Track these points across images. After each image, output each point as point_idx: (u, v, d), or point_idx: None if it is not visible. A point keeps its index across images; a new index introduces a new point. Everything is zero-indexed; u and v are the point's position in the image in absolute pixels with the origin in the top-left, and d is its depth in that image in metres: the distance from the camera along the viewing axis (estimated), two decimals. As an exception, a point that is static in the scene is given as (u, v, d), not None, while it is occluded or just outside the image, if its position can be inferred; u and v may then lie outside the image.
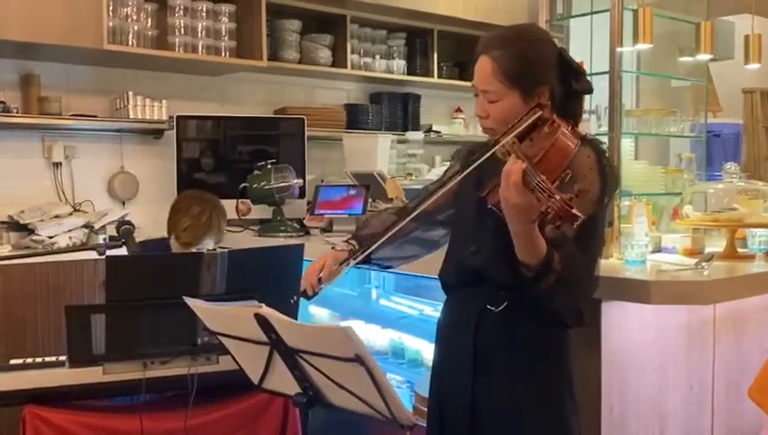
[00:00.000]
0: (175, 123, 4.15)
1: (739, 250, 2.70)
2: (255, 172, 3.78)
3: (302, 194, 4.05)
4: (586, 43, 2.99)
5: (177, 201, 3.14)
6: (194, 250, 2.95)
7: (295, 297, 2.02)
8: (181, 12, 4.12)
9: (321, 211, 3.73)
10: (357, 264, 1.93)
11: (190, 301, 1.87)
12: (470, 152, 1.91)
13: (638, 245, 2.48)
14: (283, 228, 3.74)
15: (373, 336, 3.32)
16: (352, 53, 4.79)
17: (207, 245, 2.99)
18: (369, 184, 3.75)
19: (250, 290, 2.18)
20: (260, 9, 4.25)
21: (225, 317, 1.87)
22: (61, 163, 4.04)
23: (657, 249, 2.75)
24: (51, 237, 3.64)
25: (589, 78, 1.89)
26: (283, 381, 1.84)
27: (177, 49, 4.09)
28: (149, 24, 4.04)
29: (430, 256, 2.12)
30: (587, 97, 1.90)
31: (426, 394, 2.10)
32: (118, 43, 3.85)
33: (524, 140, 1.65)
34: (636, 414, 2.36)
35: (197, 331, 2.32)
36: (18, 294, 3.45)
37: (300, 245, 2.60)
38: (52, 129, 3.98)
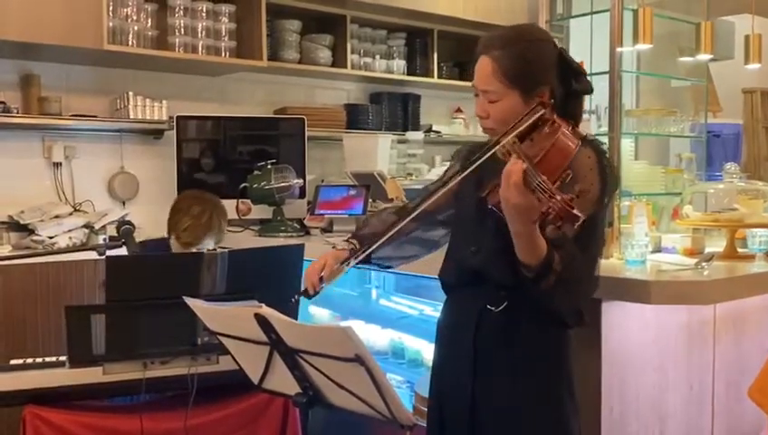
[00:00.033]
0: (175, 123, 4.15)
1: (739, 250, 2.70)
2: (255, 172, 3.78)
3: (302, 194, 4.05)
4: (586, 43, 2.99)
5: (178, 201, 3.14)
6: (194, 250, 2.95)
7: (296, 297, 2.02)
8: (181, 12, 4.12)
9: (322, 211, 3.73)
10: (357, 263, 1.93)
11: (190, 301, 1.87)
12: (470, 152, 1.91)
13: (638, 245, 2.48)
14: (283, 228, 3.75)
15: (373, 336, 3.32)
16: (352, 53, 4.79)
17: (208, 245, 2.99)
18: (370, 184, 3.75)
19: (250, 290, 2.18)
20: (260, 9, 4.25)
21: (225, 317, 1.87)
22: (61, 163, 4.04)
23: (658, 249, 2.75)
24: (51, 238, 3.64)
25: (589, 78, 1.89)
26: (283, 381, 1.84)
27: (177, 49, 4.09)
28: (149, 24, 4.04)
29: (430, 256, 2.11)
30: (587, 97, 1.90)
31: (426, 394, 2.10)
32: (118, 43, 3.85)
33: (525, 141, 1.65)
34: (636, 414, 2.36)
35: (197, 331, 2.32)
36: (18, 295, 3.45)
37: (300, 245, 2.60)
38: (52, 129, 3.98)
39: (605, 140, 2.64)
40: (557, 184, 1.51)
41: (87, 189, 4.11)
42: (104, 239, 3.67)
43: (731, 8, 4.33)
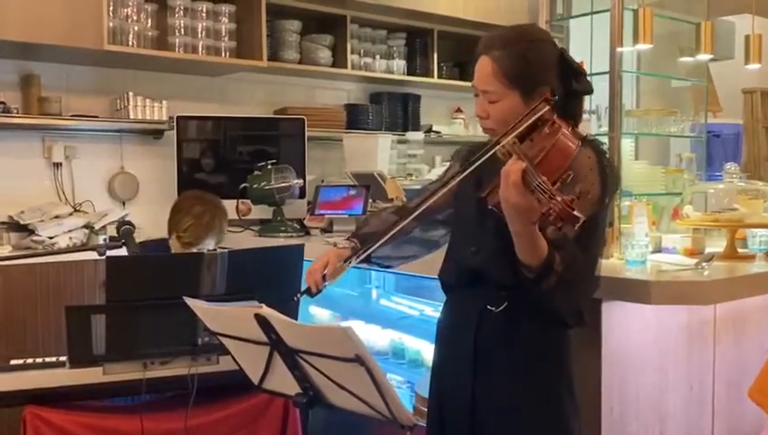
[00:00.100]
0: (175, 124, 4.15)
1: (739, 250, 2.70)
2: (256, 172, 3.79)
3: (302, 194, 4.05)
4: (586, 44, 2.99)
5: (180, 201, 3.14)
6: (194, 250, 2.95)
7: (297, 296, 2.02)
8: (181, 12, 4.12)
9: (322, 211, 3.73)
10: (357, 263, 1.93)
11: (190, 301, 1.87)
12: (470, 152, 1.91)
13: (639, 245, 2.48)
14: (283, 229, 3.75)
15: (373, 336, 3.32)
16: (352, 53, 4.78)
17: (208, 245, 2.99)
18: (370, 184, 3.75)
19: (250, 290, 2.18)
20: (260, 9, 4.25)
21: (225, 318, 1.87)
22: (61, 163, 4.04)
23: (658, 249, 2.75)
24: (51, 238, 3.64)
25: (589, 78, 1.89)
26: (283, 381, 1.84)
27: (177, 49, 4.09)
28: (149, 24, 4.04)
29: (430, 256, 2.11)
30: (587, 97, 1.90)
31: (426, 394, 2.10)
32: (118, 43, 3.85)
33: (525, 141, 1.65)
34: (636, 414, 2.36)
35: (198, 331, 2.32)
36: (18, 295, 3.45)
37: (300, 245, 2.61)
38: (52, 129, 3.98)
39: (605, 140, 2.64)
40: (557, 184, 1.51)
41: (87, 190, 4.11)
42: (104, 239, 3.67)
43: (731, 8, 4.33)
